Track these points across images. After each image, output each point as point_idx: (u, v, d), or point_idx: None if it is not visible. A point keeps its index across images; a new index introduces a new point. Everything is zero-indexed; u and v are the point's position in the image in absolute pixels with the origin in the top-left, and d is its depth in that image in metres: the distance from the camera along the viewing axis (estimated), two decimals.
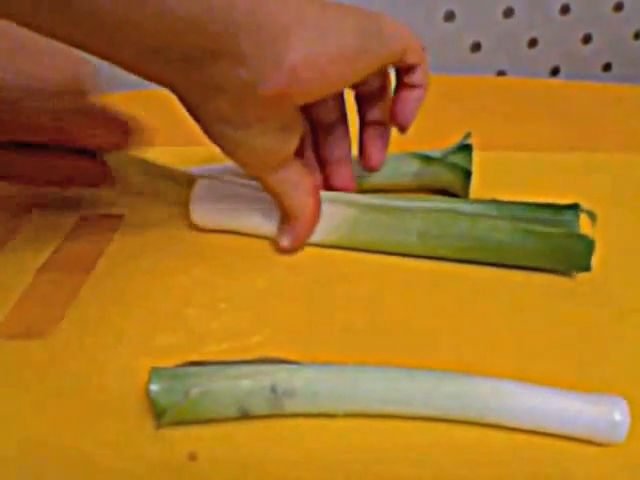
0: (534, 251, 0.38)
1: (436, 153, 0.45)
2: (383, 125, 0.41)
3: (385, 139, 0.42)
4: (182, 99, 0.34)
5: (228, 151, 0.35)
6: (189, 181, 0.42)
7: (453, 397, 0.30)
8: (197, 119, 0.34)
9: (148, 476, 0.28)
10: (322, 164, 0.43)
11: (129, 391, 0.31)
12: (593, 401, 0.29)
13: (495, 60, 1.12)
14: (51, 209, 0.45)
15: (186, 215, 0.43)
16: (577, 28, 1.12)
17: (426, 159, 0.45)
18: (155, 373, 0.29)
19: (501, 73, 1.14)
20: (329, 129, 0.41)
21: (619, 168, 0.50)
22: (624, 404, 0.29)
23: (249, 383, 0.29)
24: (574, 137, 0.55)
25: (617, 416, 0.28)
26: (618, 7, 1.11)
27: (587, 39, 1.13)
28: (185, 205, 0.42)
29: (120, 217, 0.44)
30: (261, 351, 0.32)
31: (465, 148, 0.44)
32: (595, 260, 0.37)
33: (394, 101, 0.39)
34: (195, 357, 0.31)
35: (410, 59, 0.36)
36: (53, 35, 0.28)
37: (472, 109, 0.60)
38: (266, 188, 0.38)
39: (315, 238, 0.40)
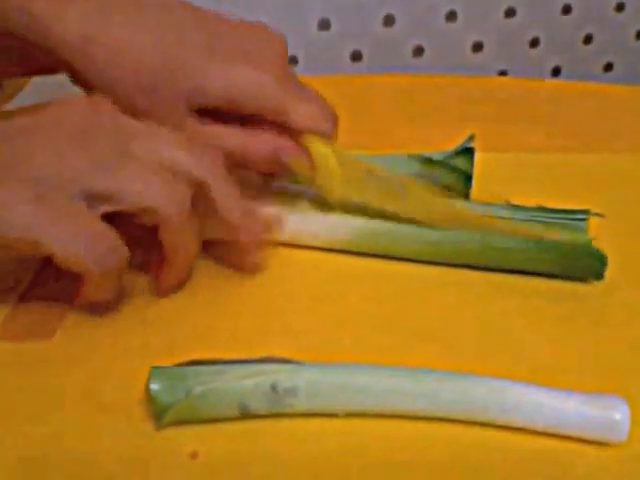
0: (546, 262, 0.38)
1: (437, 155, 0.45)
2: None
3: None
4: None
5: None
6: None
7: (454, 397, 0.30)
8: None
9: (149, 475, 0.28)
10: None
11: (130, 390, 0.31)
12: (594, 401, 0.29)
13: (496, 60, 1.12)
14: None
15: None
16: (579, 28, 1.12)
17: (427, 161, 0.44)
18: (155, 372, 0.29)
19: (502, 73, 1.14)
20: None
21: (622, 169, 0.50)
22: (625, 404, 0.29)
23: (250, 382, 0.29)
24: (575, 138, 0.55)
25: (618, 416, 0.28)
26: (620, 7, 1.11)
27: (588, 39, 1.13)
28: None
29: None
30: (263, 351, 0.32)
31: (467, 151, 0.44)
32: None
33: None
34: (196, 356, 0.31)
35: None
36: None
37: (473, 109, 0.59)
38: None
39: (323, 242, 0.40)
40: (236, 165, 0.38)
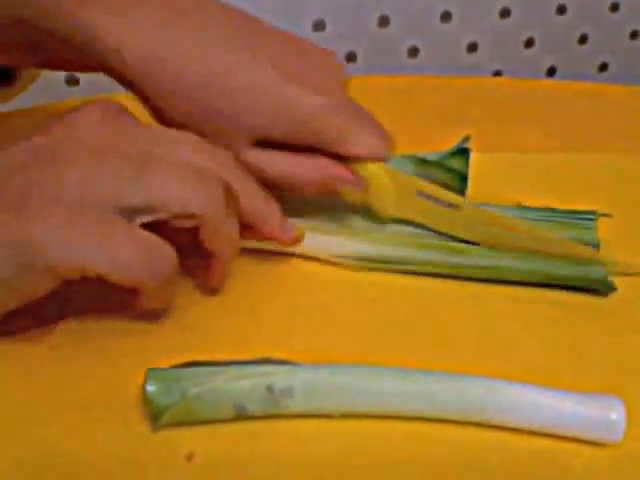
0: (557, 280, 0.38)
1: (433, 156, 0.45)
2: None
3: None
4: None
5: None
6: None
7: (450, 397, 0.30)
8: None
9: (146, 477, 0.28)
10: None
11: (126, 392, 0.31)
12: (590, 401, 0.29)
13: (491, 60, 1.12)
14: None
15: None
16: (573, 28, 1.12)
17: (422, 162, 0.44)
18: (151, 374, 0.29)
19: (497, 73, 1.14)
20: None
21: (619, 168, 0.50)
22: (621, 404, 0.29)
23: (246, 383, 0.29)
24: (571, 138, 0.55)
25: (614, 416, 0.28)
26: (614, 7, 1.11)
27: (583, 39, 1.13)
28: None
29: None
30: (259, 352, 0.32)
31: (462, 152, 0.44)
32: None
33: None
34: (192, 358, 0.31)
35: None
36: None
37: (468, 109, 0.59)
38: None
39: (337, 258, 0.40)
40: (284, 189, 0.38)
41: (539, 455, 0.29)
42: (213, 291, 0.37)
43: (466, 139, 0.45)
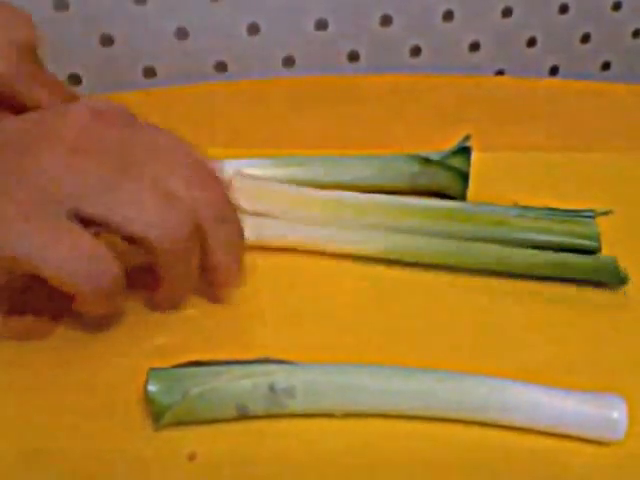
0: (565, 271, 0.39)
1: (434, 155, 0.45)
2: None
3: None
4: None
5: None
6: None
7: (452, 397, 0.30)
8: None
9: (147, 476, 0.28)
10: None
11: (128, 392, 0.31)
12: (592, 400, 0.29)
13: (494, 60, 1.12)
14: None
15: None
16: (576, 27, 1.12)
17: (424, 161, 0.44)
18: (153, 374, 0.29)
19: (500, 72, 1.13)
20: None
21: (621, 167, 0.50)
22: (623, 403, 0.29)
23: (248, 383, 0.29)
24: (573, 137, 0.55)
25: (616, 415, 0.28)
26: (617, 6, 1.11)
27: (586, 38, 1.13)
28: None
29: None
30: (260, 352, 0.32)
31: (463, 151, 0.44)
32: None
33: None
34: (194, 357, 0.31)
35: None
36: None
37: (470, 109, 0.59)
38: None
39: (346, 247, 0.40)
40: None
41: (541, 454, 0.29)
42: (156, 308, 0.36)
43: (467, 138, 0.45)
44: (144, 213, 0.30)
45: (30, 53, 0.37)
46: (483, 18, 1.08)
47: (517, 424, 0.30)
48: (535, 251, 0.38)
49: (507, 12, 1.07)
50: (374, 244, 0.39)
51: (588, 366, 0.33)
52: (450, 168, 0.44)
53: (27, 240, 0.28)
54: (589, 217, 0.41)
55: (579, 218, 0.41)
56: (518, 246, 0.40)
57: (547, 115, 0.59)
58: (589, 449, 0.29)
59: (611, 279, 0.38)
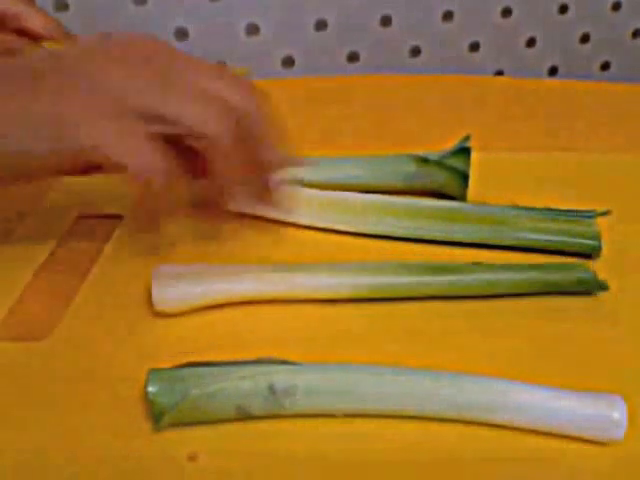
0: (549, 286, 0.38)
1: (434, 155, 0.45)
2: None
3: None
4: None
5: None
6: None
7: (452, 397, 0.30)
8: None
9: (148, 477, 0.28)
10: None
11: (128, 393, 0.31)
12: (592, 400, 0.29)
13: (493, 60, 1.12)
14: (48, 208, 0.45)
15: (187, 216, 0.43)
16: (575, 27, 1.12)
17: (423, 161, 0.45)
18: (153, 375, 0.29)
19: (499, 73, 1.14)
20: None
21: (618, 167, 0.50)
22: (623, 403, 0.29)
23: (248, 384, 0.29)
24: (572, 137, 0.55)
25: (616, 415, 0.28)
26: (616, 6, 1.11)
27: (585, 38, 1.13)
28: None
29: (119, 217, 0.44)
30: (260, 352, 0.32)
31: (463, 151, 0.44)
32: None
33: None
34: (194, 358, 0.31)
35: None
36: None
37: (470, 109, 0.60)
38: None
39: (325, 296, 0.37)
40: None
41: (541, 454, 0.29)
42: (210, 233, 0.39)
43: (467, 139, 0.45)
44: (204, 112, 0.34)
45: None
46: (482, 19, 1.08)
47: (517, 424, 0.30)
48: (515, 273, 0.37)
49: (506, 13, 1.07)
50: (342, 287, 0.37)
51: (588, 367, 0.33)
52: (448, 168, 0.44)
53: (106, 133, 0.33)
54: (589, 217, 0.41)
55: (579, 218, 0.41)
56: (517, 246, 0.39)
57: (546, 115, 0.59)
58: (589, 449, 0.29)
59: (591, 287, 0.37)
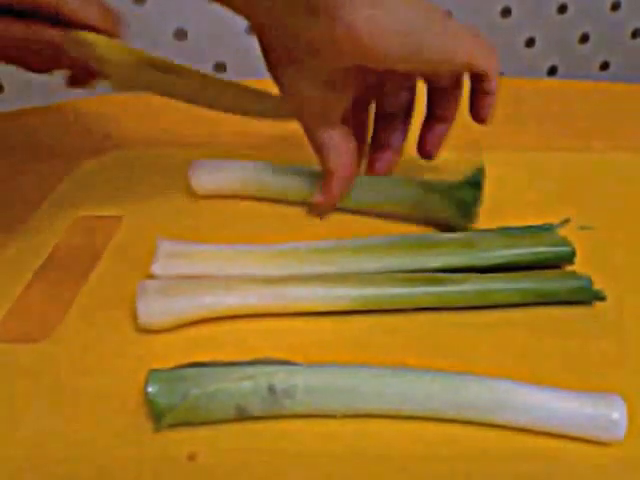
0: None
1: (443, 185, 0.43)
2: (446, 122, 0.43)
3: (443, 135, 0.44)
4: (259, 37, 0.37)
5: (284, 93, 0.38)
6: (190, 73, 0.42)
7: (452, 397, 0.30)
8: (266, 56, 0.37)
9: (147, 477, 0.28)
10: (373, 148, 0.45)
11: (128, 392, 0.31)
12: (592, 400, 0.29)
13: None
14: (48, 208, 0.45)
15: (185, 216, 0.43)
16: (574, 27, 1.12)
17: (428, 187, 0.43)
18: (153, 375, 0.29)
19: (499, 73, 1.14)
20: (391, 118, 0.43)
21: (617, 167, 0.50)
22: (622, 403, 0.29)
23: (248, 384, 0.29)
24: (571, 136, 0.55)
25: (615, 415, 0.28)
26: (615, 6, 1.11)
27: (584, 38, 1.13)
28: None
29: (119, 218, 0.44)
30: (260, 352, 0.32)
31: (474, 184, 0.42)
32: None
33: (471, 104, 0.41)
34: (194, 359, 0.31)
35: (479, 67, 0.38)
36: None
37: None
38: (312, 143, 0.41)
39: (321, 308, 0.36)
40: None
41: (540, 454, 0.29)
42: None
43: (481, 171, 0.42)
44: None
45: None
46: (481, 18, 1.08)
47: (516, 424, 0.30)
48: (509, 282, 0.36)
49: (506, 12, 1.07)
50: (335, 299, 0.36)
51: (587, 366, 0.33)
52: (455, 200, 0.42)
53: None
54: (548, 229, 0.39)
55: (540, 231, 0.39)
56: (490, 266, 0.38)
57: (545, 116, 0.59)
58: (589, 449, 0.29)
59: (587, 297, 0.37)
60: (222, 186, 0.45)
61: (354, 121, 0.43)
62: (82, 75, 0.43)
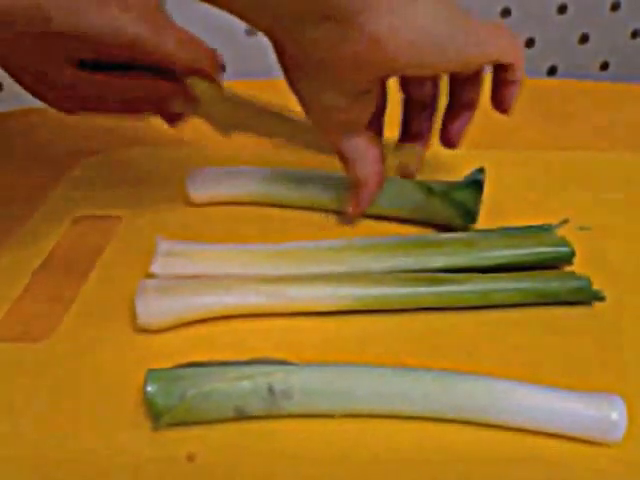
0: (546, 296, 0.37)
1: (441, 186, 0.42)
2: (469, 109, 0.43)
3: (466, 122, 0.43)
4: (276, 48, 0.36)
5: (304, 104, 0.37)
6: (278, 115, 0.42)
7: (451, 397, 0.30)
8: (284, 66, 0.36)
9: (146, 477, 0.28)
10: (402, 139, 0.44)
11: (127, 392, 0.31)
12: (591, 401, 0.29)
13: None
14: (48, 208, 0.45)
15: (185, 216, 0.43)
16: (574, 28, 1.12)
17: (428, 191, 0.42)
18: (152, 375, 0.29)
19: None
20: (419, 108, 0.43)
21: (618, 167, 0.50)
22: (622, 404, 0.29)
23: (246, 384, 0.29)
24: (572, 136, 0.55)
25: (615, 416, 0.28)
26: (615, 7, 1.11)
27: (584, 38, 1.13)
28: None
29: (118, 218, 0.44)
30: (259, 352, 0.32)
31: (474, 184, 0.42)
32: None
33: (494, 93, 0.41)
34: (193, 358, 0.31)
35: (506, 60, 0.38)
36: None
37: None
38: (337, 153, 0.40)
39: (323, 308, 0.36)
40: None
41: (540, 454, 0.29)
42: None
43: (480, 171, 0.42)
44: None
45: (160, 9, 0.40)
46: (481, 19, 1.08)
47: (516, 425, 0.29)
48: (511, 282, 0.36)
49: (505, 13, 1.07)
50: (336, 299, 0.36)
51: (586, 367, 0.33)
52: (455, 202, 0.42)
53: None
54: (546, 229, 0.39)
55: (539, 231, 0.39)
56: (490, 267, 0.38)
57: (545, 115, 0.59)
58: (588, 450, 0.29)
59: (587, 298, 0.37)
60: (219, 198, 0.45)
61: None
62: (168, 117, 0.43)
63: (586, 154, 0.52)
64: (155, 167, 0.46)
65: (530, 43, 1.11)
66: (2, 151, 0.53)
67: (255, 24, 0.34)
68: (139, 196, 0.46)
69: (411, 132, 0.44)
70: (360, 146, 0.39)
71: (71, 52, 0.37)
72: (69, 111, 0.42)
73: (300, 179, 0.45)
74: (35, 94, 0.41)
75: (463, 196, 0.41)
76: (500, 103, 0.41)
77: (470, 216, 0.41)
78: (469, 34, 0.35)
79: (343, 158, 0.40)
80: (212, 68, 0.40)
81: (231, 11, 0.33)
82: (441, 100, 0.43)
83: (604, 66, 1.18)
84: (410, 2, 0.32)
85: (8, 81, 0.40)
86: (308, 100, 0.37)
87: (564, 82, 0.71)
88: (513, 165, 0.50)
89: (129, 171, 0.49)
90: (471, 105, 0.42)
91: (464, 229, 0.42)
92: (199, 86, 0.40)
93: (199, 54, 0.39)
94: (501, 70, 0.39)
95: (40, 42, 0.36)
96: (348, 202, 0.42)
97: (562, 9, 1.09)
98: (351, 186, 0.41)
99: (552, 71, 1.16)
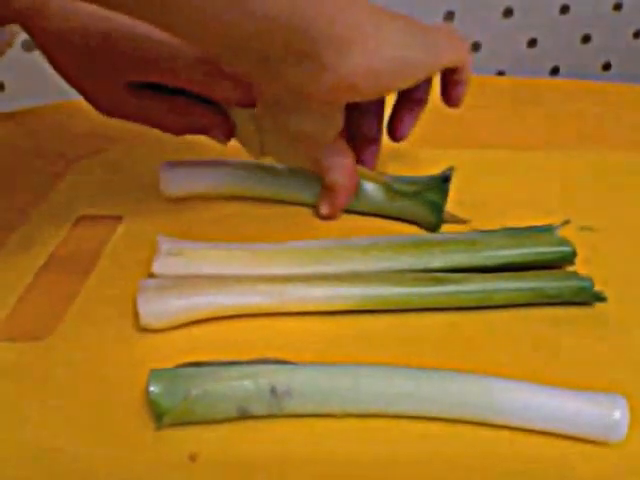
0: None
1: (410, 187, 0.43)
2: (418, 105, 0.44)
3: (416, 117, 0.44)
4: (251, 84, 0.38)
5: (276, 124, 0.40)
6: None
7: (452, 397, 0.30)
8: (258, 98, 0.39)
9: (149, 477, 0.28)
10: (352, 140, 0.45)
11: (129, 391, 0.31)
12: (593, 400, 0.29)
13: (495, 60, 1.12)
14: (48, 208, 0.45)
15: (186, 215, 0.43)
16: (576, 28, 1.12)
17: (399, 192, 0.43)
18: (155, 375, 0.29)
19: (501, 73, 1.14)
20: (365, 109, 0.44)
21: (620, 167, 0.50)
22: (624, 403, 0.29)
23: (249, 384, 0.29)
24: (573, 137, 0.55)
25: (617, 415, 0.28)
26: (617, 7, 1.11)
27: (587, 39, 1.13)
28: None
29: (119, 218, 0.44)
30: (261, 352, 0.32)
31: (442, 182, 0.42)
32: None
33: (444, 92, 0.43)
34: (195, 358, 0.31)
35: (456, 65, 0.40)
36: (144, 20, 0.32)
37: (471, 109, 0.59)
38: (310, 162, 0.42)
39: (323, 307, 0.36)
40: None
41: (542, 454, 0.29)
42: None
43: (449, 170, 0.43)
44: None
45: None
46: (484, 19, 1.08)
47: (517, 424, 0.29)
48: (512, 282, 0.36)
49: (508, 13, 1.07)
50: (337, 299, 0.36)
51: (588, 366, 0.33)
52: (425, 201, 0.43)
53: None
54: (547, 229, 0.39)
55: (540, 231, 0.39)
56: (491, 266, 0.38)
57: (547, 116, 0.59)
58: (590, 449, 0.29)
59: (589, 298, 0.37)
60: (192, 192, 0.45)
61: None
62: (217, 135, 0.44)
63: (588, 154, 0.52)
64: (155, 167, 0.46)
65: (532, 43, 1.11)
66: (3, 151, 0.53)
67: (235, 67, 0.36)
68: (139, 196, 0.46)
69: (366, 135, 0.45)
70: (331, 156, 0.42)
71: (134, 75, 0.40)
72: (109, 114, 0.43)
73: (280, 175, 0.46)
74: (79, 90, 0.42)
75: (433, 195, 0.43)
76: (450, 100, 0.43)
77: (440, 213, 0.42)
78: (428, 51, 0.37)
79: (315, 167, 0.43)
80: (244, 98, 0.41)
81: (209, 53, 0.35)
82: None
83: (606, 66, 1.18)
84: (374, 34, 0.34)
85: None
86: (280, 123, 0.39)
87: (566, 82, 0.71)
88: (514, 165, 0.50)
89: (129, 171, 0.49)
90: (420, 102, 0.44)
91: (434, 228, 0.43)
92: (240, 115, 0.42)
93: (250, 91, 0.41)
94: (450, 72, 0.41)
95: (116, 60, 0.39)
96: (322, 204, 0.44)
97: (564, 9, 1.09)
98: (326, 190, 0.43)
99: (554, 71, 1.16)
